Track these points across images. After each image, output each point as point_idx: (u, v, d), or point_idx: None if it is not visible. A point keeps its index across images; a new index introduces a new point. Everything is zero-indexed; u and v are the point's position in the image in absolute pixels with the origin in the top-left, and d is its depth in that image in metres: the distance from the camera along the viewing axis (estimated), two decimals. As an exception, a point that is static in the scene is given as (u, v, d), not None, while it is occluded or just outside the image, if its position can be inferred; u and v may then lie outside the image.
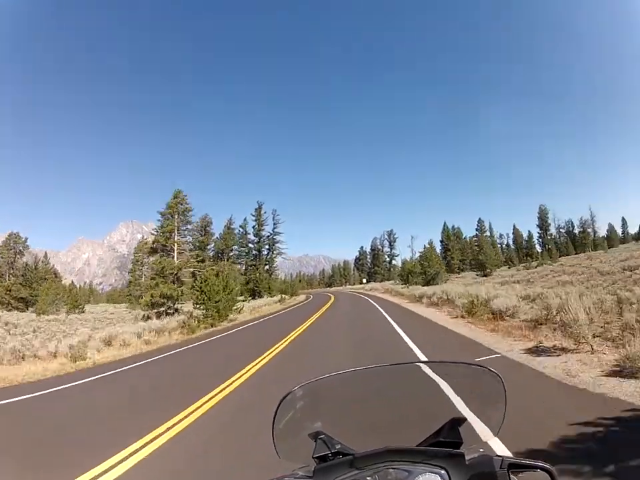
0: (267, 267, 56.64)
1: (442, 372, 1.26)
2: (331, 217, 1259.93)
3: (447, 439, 0.94)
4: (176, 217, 47.20)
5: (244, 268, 55.17)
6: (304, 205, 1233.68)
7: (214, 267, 54.47)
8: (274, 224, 59.27)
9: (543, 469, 0.80)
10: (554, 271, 34.34)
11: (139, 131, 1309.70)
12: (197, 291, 20.82)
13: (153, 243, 50.71)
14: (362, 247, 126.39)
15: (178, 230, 53.46)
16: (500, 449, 2.92)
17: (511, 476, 0.80)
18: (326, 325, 16.25)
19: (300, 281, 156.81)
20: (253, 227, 58.53)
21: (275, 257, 59.06)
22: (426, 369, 1.22)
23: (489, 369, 1.05)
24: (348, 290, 70.70)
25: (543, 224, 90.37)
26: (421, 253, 49.70)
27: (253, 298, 47.46)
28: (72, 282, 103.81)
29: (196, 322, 19.13)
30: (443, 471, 0.84)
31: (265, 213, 59.60)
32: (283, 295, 41.02)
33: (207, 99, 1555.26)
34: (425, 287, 31.25)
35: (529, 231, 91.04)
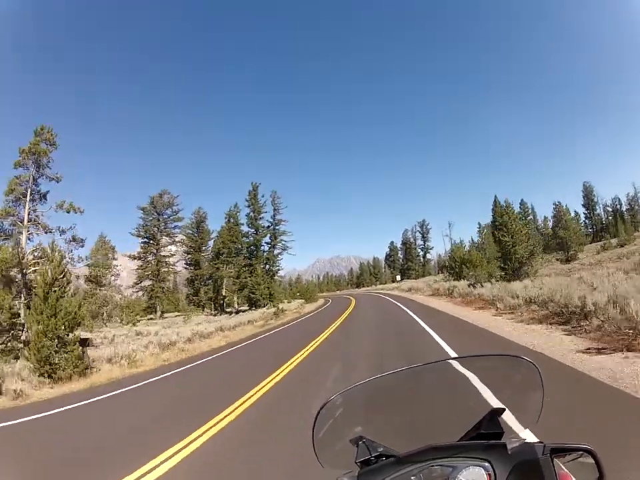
0: (267, 266, 43.54)
1: (475, 366, 1.26)
2: (360, 216, 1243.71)
3: (488, 431, 0.95)
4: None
5: (237, 270, 43.09)
6: (333, 205, 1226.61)
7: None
8: (274, 210, 46.40)
9: (585, 450, 0.81)
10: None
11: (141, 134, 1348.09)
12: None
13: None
14: (392, 242, 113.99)
15: (161, 230, 45.14)
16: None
17: (554, 461, 0.79)
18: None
19: (328, 282, 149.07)
20: (247, 216, 44.57)
21: (278, 254, 45.66)
22: (457, 365, 1.21)
23: (524, 358, 1.04)
24: (378, 291, 56.05)
25: (589, 203, 76.85)
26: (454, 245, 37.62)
27: (251, 308, 37.23)
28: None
29: None
30: (486, 463, 0.84)
31: (263, 197, 45.35)
32: (281, 307, 29.83)
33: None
34: (517, 284, 16.35)
35: (575, 211, 76.44)
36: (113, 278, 38.94)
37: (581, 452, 0.82)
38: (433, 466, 0.88)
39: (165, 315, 43.25)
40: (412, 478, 0.87)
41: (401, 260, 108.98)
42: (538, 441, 0.84)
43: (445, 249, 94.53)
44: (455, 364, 1.21)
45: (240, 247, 42.27)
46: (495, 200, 30.73)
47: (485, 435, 0.94)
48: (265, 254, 43.92)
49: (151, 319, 39.22)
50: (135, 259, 41.19)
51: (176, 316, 40.74)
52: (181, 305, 48.93)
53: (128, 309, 37.87)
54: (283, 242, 46.69)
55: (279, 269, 45.77)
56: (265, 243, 44.90)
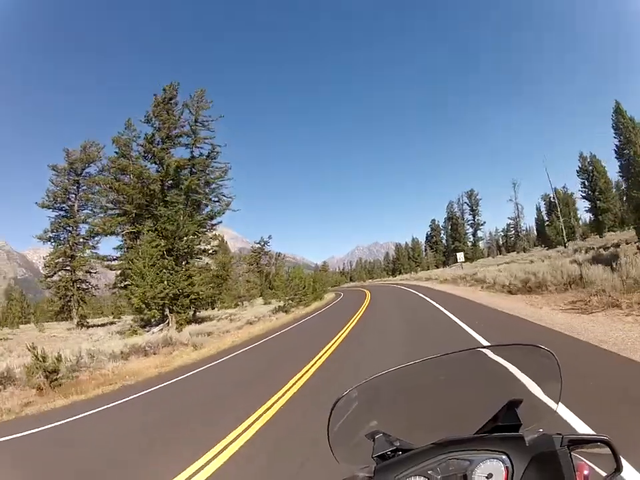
0: (199, 245, 24.21)
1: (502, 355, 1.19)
2: (400, 201, 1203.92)
3: (505, 423, 0.93)
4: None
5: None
6: (371, 190, 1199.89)
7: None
8: (194, 124, 24.69)
9: (602, 441, 0.80)
10: None
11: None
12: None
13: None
14: (434, 220, 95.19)
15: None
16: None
17: (572, 453, 0.79)
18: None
19: (361, 269, 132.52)
20: (147, 143, 23.40)
21: (217, 213, 25.72)
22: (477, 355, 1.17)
23: (543, 347, 1.02)
24: (420, 284, 34.01)
25: None
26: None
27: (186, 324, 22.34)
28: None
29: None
30: (504, 456, 0.83)
31: (178, 107, 24.28)
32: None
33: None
34: None
35: None
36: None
37: (598, 442, 0.80)
38: (450, 459, 0.87)
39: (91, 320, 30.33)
40: (429, 472, 0.86)
41: (444, 240, 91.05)
42: (556, 432, 0.82)
43: (499, 226, 76.49)
44: (476, 353, 1.18)
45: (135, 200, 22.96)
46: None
47: (503, 427, 0.92)
48: (189, 215, 23.27)
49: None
50: (44, 240, 28.24)
51: (90, 326, 27.56)
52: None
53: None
54: (221, 194, 26.16)
55: (212, 248, 27.21)
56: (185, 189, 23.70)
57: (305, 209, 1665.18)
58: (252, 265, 53.69)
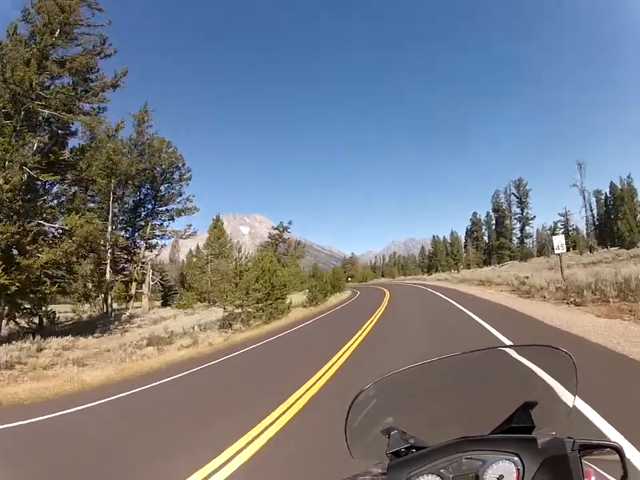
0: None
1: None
2: (437, 195, 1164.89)
3: (519, 424, 0.94)
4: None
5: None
6: (409, 185, 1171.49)
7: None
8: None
9: (612, 447, 0.81)
10: None
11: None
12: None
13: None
14: (475, 214, 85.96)
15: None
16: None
17: (582, 459, 0.79)
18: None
19: (395, 264, 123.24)
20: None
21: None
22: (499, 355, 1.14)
23: (559, 348, 1.02)
24: (485, 294, 18.70)
25: None
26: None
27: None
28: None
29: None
30: (516, 458, 0.84)
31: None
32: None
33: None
34: None
35: None
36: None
37: (608, 448, 0.81)
38: (463, 459, 0.87)
39: None
40: (441, 470, 0.86)
41: (486, 236, 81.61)
42: (568, 437, 0.82)
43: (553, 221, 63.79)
44: (495, 353, 1.16)
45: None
46: None
47: (516, 429, 0.93)
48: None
49: None
50: None
51: None
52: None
53: None
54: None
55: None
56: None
57: (341, 201, 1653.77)
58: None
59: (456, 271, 62.14)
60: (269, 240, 50.88)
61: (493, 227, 77.54)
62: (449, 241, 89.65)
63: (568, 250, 55.91)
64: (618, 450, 0.79)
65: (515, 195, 72.43)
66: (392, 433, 0.99)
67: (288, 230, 51.37)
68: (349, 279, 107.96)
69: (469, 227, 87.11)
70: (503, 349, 1.15)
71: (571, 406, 1.01)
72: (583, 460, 0.79)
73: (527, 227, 72.36)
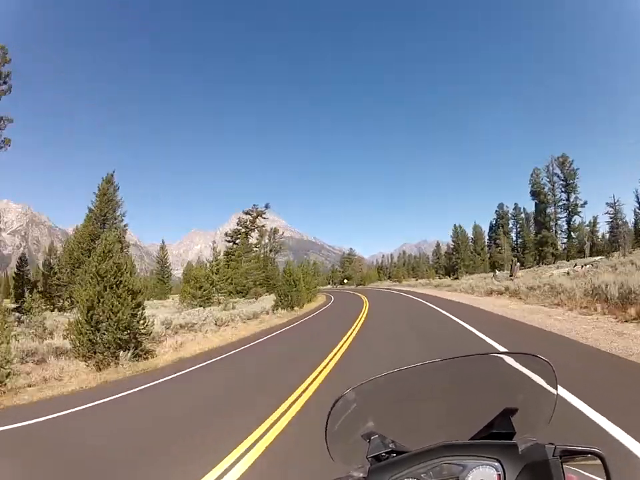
0: None
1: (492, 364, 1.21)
2: (451, 196, 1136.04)
3: (500, 430, 0.94)
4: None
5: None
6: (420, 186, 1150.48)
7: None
8: None
9: (594, 453, 0.81)
10: None
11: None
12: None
13: None
14: (501, 204, 72.65)
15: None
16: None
17: (564, 465, 0.80)
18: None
19: (404, 264, 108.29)
20: None
21: None
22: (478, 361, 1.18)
23: (539, 357, 1.03)
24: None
25: None
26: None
27: None
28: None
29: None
30: (496, 463, 0.84)
31: None
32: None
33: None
34: None
35: None
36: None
37: (590, 454, 0.81)
38: (443, 464, 0.87)
39: None
40: (422, 475, 0.86)
41: (512, 234, 68.38)
42: (549, 442, 0.83)
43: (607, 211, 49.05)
44: (476, 360, 1.19)
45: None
46: None
47: (497, 435, 0.94)
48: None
49: None
50: None
51: None
52: None
53: None
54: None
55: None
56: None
57: (355, 203, 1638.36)
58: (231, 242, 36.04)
59: (492, 277, 34.58)
60: (239, 227, 38.81)
61: (524, 219, 63.88)
62: (473, 238, 73.55)
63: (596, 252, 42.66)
64: (600, 456, 0.79)
65: (558, 176, 58.30)
66: (372, 438, 0.98)
67: (263, 215, 39.41)
68: (345, 280, 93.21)
69: (493, 221, 73.74)
70: (485, 354, 1.14)
71: (551, 412, 1.01)
72: (565, 466, 0.79)
73: (577, 215, 57.19)
